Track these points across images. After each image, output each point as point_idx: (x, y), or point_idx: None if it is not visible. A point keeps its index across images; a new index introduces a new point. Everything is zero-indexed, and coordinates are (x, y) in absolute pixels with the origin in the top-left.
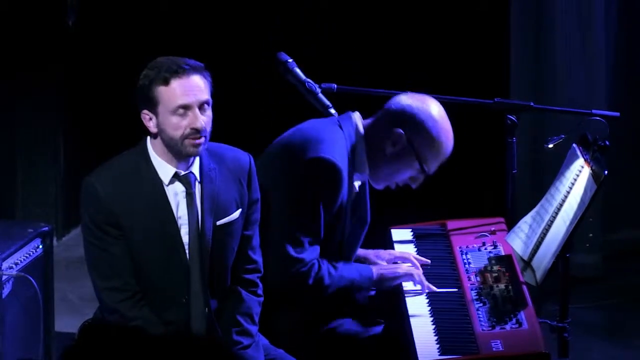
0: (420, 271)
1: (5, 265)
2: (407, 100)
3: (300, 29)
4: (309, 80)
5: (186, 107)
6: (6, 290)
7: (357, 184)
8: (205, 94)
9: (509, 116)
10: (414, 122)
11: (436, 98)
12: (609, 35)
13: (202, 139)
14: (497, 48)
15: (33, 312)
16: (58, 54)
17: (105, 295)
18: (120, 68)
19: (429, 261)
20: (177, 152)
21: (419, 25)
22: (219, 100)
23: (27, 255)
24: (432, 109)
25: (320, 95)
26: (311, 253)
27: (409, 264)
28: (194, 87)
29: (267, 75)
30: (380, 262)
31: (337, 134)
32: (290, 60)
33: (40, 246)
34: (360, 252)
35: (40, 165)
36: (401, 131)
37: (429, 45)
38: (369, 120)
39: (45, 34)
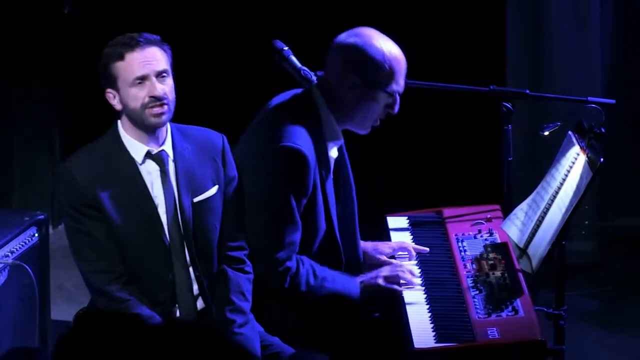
0: (406, 267)
1: (0, 253)
2: (342, 41)
3: (298, 11)
4: (304, 68)
5: (143, 78)
6: (2, 279)
7: (334, 152)
8: (162, 64)
9: (504, 104)
10: (357, 57)
11: (433, 86)
12: (604, 24)
13: (164, 107)
14: (493, 38)
15: (29, 301)
16: (55, 46)
17: (92, 278)
18: None
19: (427, 249)
20: (142, 124)
21: (416, 13)
22: (220, 98)
23: (23, 244)
24: (366, 35)
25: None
26: (288, 249)
27: (406, 254)
28: (149, 58)
29: (267, 73)
30: (378, 257)
31: (297, 114)
32: (286, 48)
33: (36, 234)
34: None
35: (36, 154)
36: (350, 71)
37: (426, 34)
38: (323, 83)
39: (42, 26)
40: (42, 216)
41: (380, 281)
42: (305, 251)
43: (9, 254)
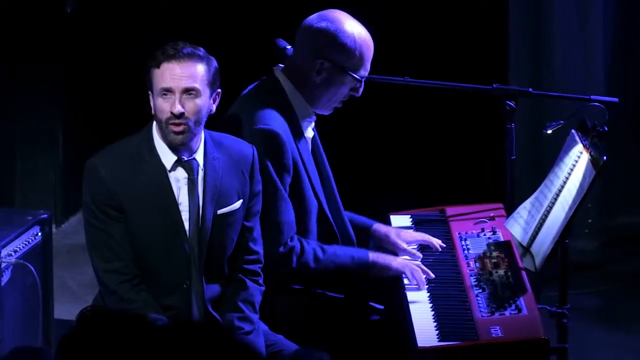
0: (418, 263)
1: (4, 252)
2: (312, 24)
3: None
4: None
5: (168, 91)
6: (5, 278)
7: (309, 132)
8: (193, 82)
9: (507, 102)
10: (328, 43)
11: (436, 84)
12: (606, 22)
13: (182, 127)
14: (496, 37)
15: (32, 300)
16: (57, 42)
17: (105, 277)
18: (120, 56)
19: (444, 245)
20: (165, 136)
21: (419, 13)
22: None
23: (26, 243)
24: (337, 20)
25: None
26: (285, 230)
27: (408, 257)
28: (181, 72)
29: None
30: (399, 243)
31: (265, 98)
32: (289, 47)
33: (39, 233)
34: (382, 228)
35: (39, 153)
36: (320, 56)
37: (429, 33)
38: (289, 65)
39: (45, 22)
40: (45, 215)
41: (394, 263)
42: (303, 231)
43: (12, 253)
